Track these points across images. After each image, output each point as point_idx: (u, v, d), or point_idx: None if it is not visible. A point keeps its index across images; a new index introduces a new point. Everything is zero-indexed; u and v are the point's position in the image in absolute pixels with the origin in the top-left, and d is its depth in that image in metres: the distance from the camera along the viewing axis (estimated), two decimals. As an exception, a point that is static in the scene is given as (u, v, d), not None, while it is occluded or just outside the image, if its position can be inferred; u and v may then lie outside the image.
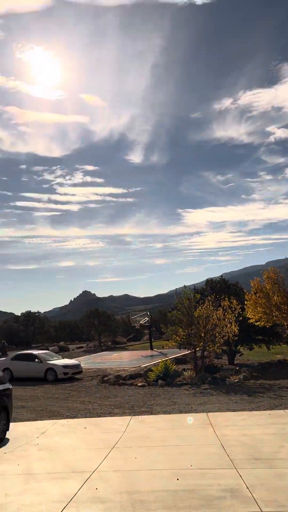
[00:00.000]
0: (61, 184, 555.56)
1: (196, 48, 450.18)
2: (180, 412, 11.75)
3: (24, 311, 58.28)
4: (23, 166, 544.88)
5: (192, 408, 12.17)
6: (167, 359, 19.93)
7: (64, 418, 11.87)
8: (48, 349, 33.19)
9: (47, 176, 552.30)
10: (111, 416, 11.84)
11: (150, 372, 17.78)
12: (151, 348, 33.65)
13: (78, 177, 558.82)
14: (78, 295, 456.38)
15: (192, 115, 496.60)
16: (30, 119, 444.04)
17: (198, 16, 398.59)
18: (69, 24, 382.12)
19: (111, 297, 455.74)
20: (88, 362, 27.72)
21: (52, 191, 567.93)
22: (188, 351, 22.15)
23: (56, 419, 11.77)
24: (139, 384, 17.07)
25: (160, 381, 16.74)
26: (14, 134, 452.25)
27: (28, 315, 57.12)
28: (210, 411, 11.46)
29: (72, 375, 20.50)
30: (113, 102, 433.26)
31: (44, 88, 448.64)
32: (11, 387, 10.44)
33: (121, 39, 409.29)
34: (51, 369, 20.24)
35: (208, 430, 9.48)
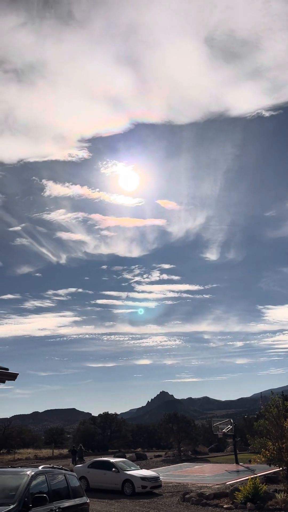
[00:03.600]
0: (139, 282, 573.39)
1: (267, 153, 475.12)
2: None
3: (101, 412, 57.03)
4: (104, 267, 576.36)
5: None
6: (256, 477, 17.77)
7: None
8: (125, 456, 31.58)
9: (126, 275, 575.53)
10: None
11: (237, 492, 15.87)
12: (237, 462, 30.44)
13: (155, 275, 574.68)
14: (155, 396, 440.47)
15: (266, 214, 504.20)
16: (112, 224, 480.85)
17: (268, 125, 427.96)
18: (148, 142, 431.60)
19: (190, 399, 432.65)
20: (168, 474, 25.63)
21: (130, 289, 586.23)
22: (279, 468, 19.66)
23: None
24: (225, 506, 15.24)
25: (249, 504, 14.79)
26: (98, 238, 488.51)
27: (106, 416, 55.66)
28: None
29: (151, 489, 18.96)
30: (188, 206, 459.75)
31: (124, 196, 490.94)
32: (88, 501, 9.84)
33: (195, 150, 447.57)
34: (129, 480, 18.96)
35: None
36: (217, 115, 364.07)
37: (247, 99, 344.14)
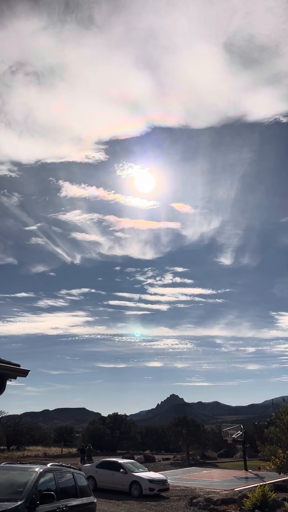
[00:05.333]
0: (151, 285, 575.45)
1: (284, 159, 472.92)
2: None
3: (111, 413, 57.05)
4: (118, 268, 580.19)
5: None
6: (265, 485, 17.54)
7: None
8: (133, 458, 31.51)
9: (139, 277, 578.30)
10: None
11: (245, 499, 15.67)
12: (246, 469, 30.11)
13: (168, 278, 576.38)
14: (165, 398, 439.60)
15: (282, 220, 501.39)
16: (126, 226, 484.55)
17: (285, 131, 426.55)
18: (164, 145, 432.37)
19: (200, 404, 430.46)
20: (176, 477, 25.48)
21: (143, 291, 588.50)
22: (289, 476, 19.40)
23: None
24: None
25: (257, 512, 14.59)
26: (112, 239, 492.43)
27: (115, 417, 55.66)
28: None
29: (158, 491, 18.87)
30: (204, 210, 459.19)
31: (140, 199, 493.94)
32: (95, 501, 9.84)
33: (211, 154, 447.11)
34: (136, 482, 18.90)
35: None
36: (234, 120, 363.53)
37: (265, 105, 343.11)
